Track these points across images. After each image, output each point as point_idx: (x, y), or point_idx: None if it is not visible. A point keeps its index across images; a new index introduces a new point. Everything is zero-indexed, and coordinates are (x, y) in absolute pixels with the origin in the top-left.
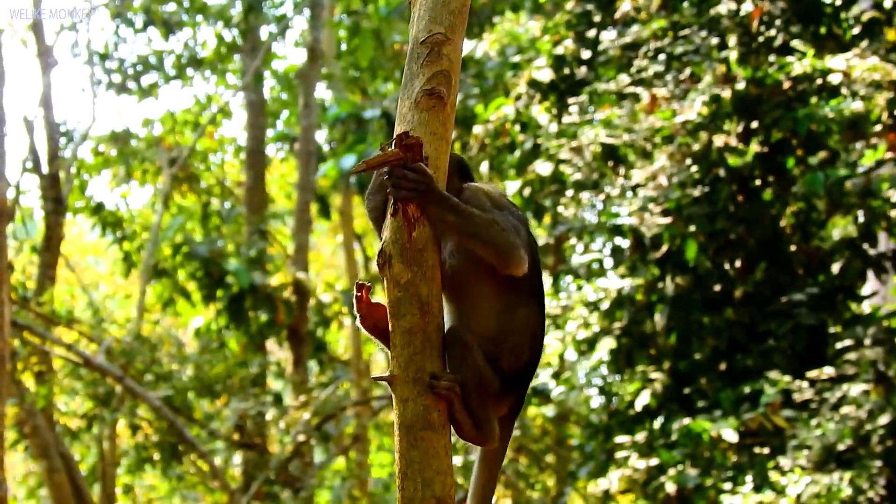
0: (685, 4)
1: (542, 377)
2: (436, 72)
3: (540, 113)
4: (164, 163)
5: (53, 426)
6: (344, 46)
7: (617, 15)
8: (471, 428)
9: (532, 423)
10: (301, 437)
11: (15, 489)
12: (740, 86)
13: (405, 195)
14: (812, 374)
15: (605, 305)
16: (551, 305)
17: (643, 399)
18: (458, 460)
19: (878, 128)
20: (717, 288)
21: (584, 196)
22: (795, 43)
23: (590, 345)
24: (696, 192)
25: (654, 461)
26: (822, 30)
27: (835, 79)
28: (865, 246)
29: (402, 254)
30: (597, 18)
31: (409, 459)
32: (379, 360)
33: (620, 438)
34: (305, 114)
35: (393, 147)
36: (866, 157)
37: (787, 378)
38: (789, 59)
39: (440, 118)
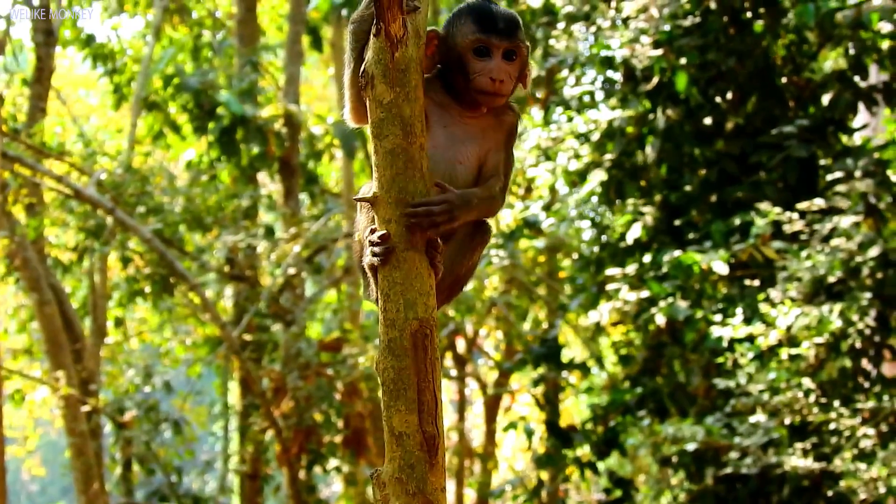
0: None
1: (534, 209)
2: None
3: None
4: None
5: (44, 258)
6: None
7: None
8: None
9: (523, 254)
10: (292, 270)
11: (6, 322)
12: None
13: None
14: (802, 205)
15: (595, 137)
16: (542, 137)
17: (634, 231)
18: None
19: None
20: (708, 120)
21: (576, 28)
22: None
23: (581, 176)
24: (688, 24)
25: (644, 293)
26: None
27: None
28: (856, 78)
29: (385, 74)
30: None
31: (392, 280)
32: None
33: (611, 271)
34: None
35: None
36: None
37: (777, 210)
38: None
39: None
